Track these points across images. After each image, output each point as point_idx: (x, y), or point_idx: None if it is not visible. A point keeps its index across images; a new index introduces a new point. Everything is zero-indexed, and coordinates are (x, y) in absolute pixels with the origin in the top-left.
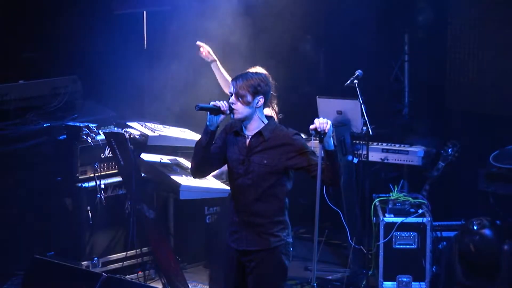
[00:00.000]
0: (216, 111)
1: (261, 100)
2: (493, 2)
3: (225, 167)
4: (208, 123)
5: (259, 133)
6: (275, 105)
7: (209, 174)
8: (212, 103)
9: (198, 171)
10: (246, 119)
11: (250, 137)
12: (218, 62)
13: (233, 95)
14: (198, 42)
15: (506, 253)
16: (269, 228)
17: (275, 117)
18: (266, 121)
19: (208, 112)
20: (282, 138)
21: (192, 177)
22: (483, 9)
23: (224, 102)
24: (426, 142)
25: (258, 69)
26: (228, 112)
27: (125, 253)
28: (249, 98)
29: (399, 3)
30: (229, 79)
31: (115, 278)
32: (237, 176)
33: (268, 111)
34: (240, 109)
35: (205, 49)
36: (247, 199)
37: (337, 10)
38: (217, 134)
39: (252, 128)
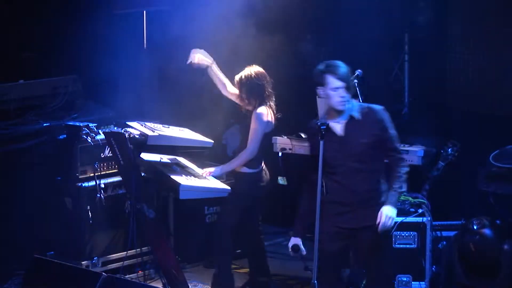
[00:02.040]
0: None
1: None
2: (492, 2)
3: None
4: None
5: (350, 117)
6: (273, 104)
7: None
8: None
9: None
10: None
11: (342, 122)
12: (214, 66)
13: (342, 88)
14: (193, 50)
15: (506, 253)
16: (378, 198)
17: (272, 116)
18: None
19: None
20: (373, 114)
21: (193, 177)
22: (483, 9)
23: None
24: (426, 142)
25: (255, 68)
26: None
27: (125, 253)
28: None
29: (399, 3)
30: (226, 81)
31: (115, 278)
32: (339, 165)
33: (264, 109)
34: (348, 98)
35: (197, 57)
36: (356, 179)
37: (337, 10)
38: None
39: (338, 115)
